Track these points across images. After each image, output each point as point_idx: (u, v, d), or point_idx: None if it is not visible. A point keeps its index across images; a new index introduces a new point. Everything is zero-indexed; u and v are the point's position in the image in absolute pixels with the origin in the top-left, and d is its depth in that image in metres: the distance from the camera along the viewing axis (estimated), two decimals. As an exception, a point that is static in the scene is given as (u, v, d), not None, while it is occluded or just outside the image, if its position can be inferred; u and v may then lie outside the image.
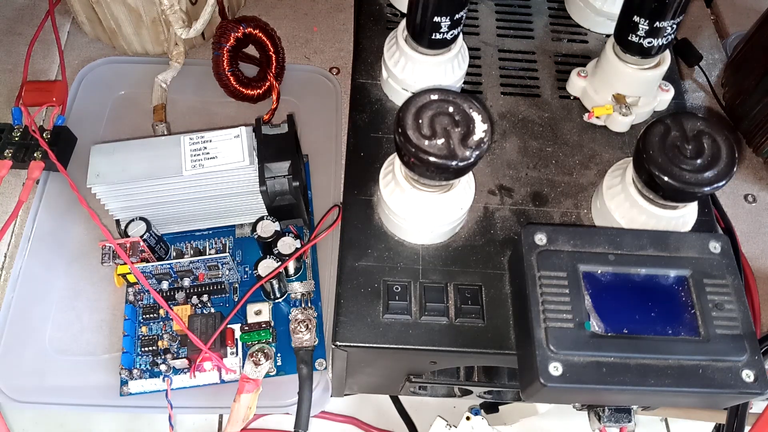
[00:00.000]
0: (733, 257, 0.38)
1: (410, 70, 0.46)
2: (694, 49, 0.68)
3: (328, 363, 0.49)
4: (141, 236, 0.47)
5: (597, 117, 0.48)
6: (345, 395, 0.52)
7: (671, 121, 0.39)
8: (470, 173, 0.42)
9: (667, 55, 0.46)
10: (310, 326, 0.47)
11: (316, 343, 0.47)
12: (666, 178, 0.37)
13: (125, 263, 0.47)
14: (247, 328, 0.47)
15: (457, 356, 0.40)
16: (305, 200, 0.52)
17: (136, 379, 0.47)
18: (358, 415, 0.53)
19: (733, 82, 0.66)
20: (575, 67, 0.50)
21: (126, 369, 0.47)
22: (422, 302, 0.40)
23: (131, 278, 0.48)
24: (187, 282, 0.50)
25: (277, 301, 0.50)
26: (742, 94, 0.63)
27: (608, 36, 0.47)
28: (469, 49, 0.49)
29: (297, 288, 0.51)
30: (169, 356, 0.48)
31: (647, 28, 0.42)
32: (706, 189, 0.37)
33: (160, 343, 0.48)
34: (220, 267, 0.49)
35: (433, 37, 0.43)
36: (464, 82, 0.50)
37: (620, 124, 0.48)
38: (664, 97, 0.49)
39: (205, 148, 0.47)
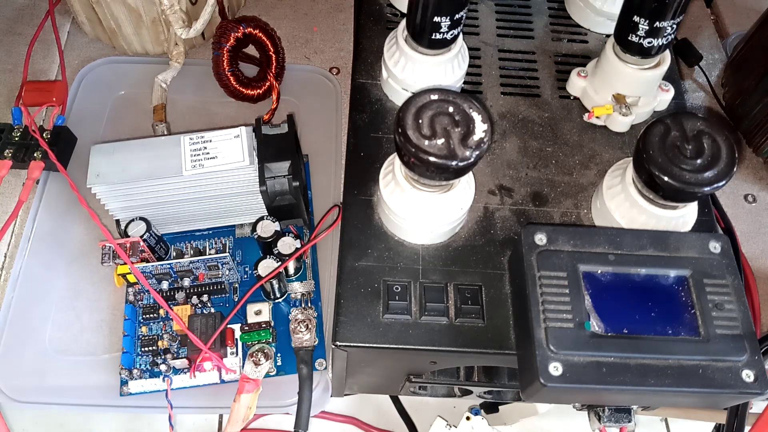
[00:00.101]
0: (733, 257, 0.38)
1: (410, 70, 0.46)
2: (694, 49, 0.68)
3: (328, 363, 0.49)
4: (141, 236, 0.47)
5: (597, 117, 0.48)
6: (345, 395, 0.52)
7: (671, 121, 0.39)
8: (470, 173, 0.42)
9: (667, 55, 0.46)
10: (310, 326, 0.47)
11: (316, 343, 0.47)
12: (666, 178, 0.37)
13: (125, 263, 0.47)
14: (247, 328, 0.47)
15: (457, 356, 0.40)
16: (305, 200, 0.52)
17: (136, 379, 0.47)
18: (358, 415, 0.53)
19: (733, 82, 0.66)
20: (575, 67, 0.50)
21: (126, 369, 0.47)
22: (422, 302, 0.40)
23: (131, 278, 0.48)
24: (187, 282, 0.50)
25: (277, 301, 0.50)
26: (742, 94, 0.63)
27: (608, 36, 0.47)
28: (469, 49, 0.49)
29: (297, 288, 0.51)
30: (169, 356, 0.48)
31: (647, 28, 0.42)
32: (706, 189, 0.37)
33: (160, 343, 0.48)
34: (220, 267, 0.49)
35: (433, 37, 0.43)
36: (464, 82, 0.50)
37: (620, 124, 0.48)
38: (664, 97, 0.49)
39: (205, 148, 0.47)
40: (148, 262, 0.48)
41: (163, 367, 0.47)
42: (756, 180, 0.62)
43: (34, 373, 0.48)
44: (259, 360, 0.45)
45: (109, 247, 0.47)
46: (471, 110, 0.36)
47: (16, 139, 0.55)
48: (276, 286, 0.48)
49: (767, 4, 0.64)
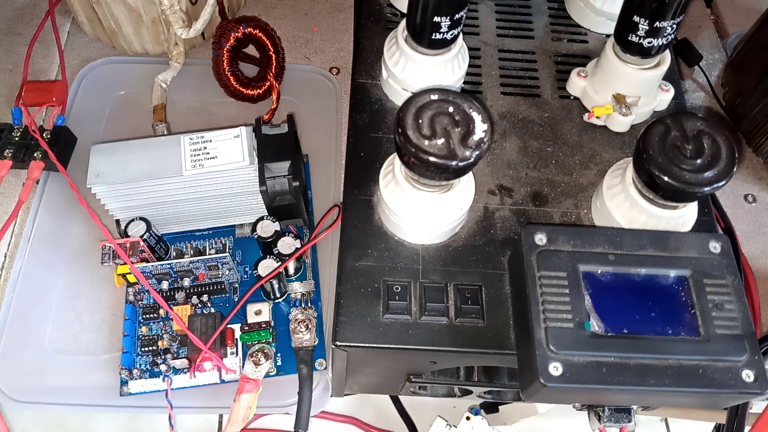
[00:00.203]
0: (733, 257, 0.38)
1: (410, 70, 0.46)
2: (694, 49, 0.68)
3: (328, 363, 0.49)
4: (141, 236, 0.47)
5: (597, 117, 0.48)
6: (345, 395, 0.52)
7: (671, 121, 0.39)
8: (470, 173, 0.42)
9: (667, 55, 0.46)
10: (310, 326, 0.47)
11: (316, 343, 0.47)
12: (666, 178, 0.37)
13: (125, 263, 0.47)
14: (247, 328, 0.47)
15: (457, 356, 0.40)
16: (305, 200, 0.52)
17: (136, 379, 0.47)
18: (358, 415, 0.53)
19: (733, 82, 0.66)
20: (575, 67, 0.50)
21: (126, 369, 0.47)
22: (422, 302, 0.40)
23: (131, 278, 0.48)
24: (187, 282, 0.50)
25: (277, 301, 0.50)
26: (742, 94, 0.63)
27: (608, 36, 0.47)
28: (469, 49, 0.49)
29: (297, 288, 0.51)
30: (169, 356, 0.48)
31: (647, 28, 0.42)
32: (706, 189, 0.37)
33: (160, 343, 0.48)
34: (220, 267, 0.49)
35: (433, 37, 0.43)
36: (464, 82, 0.50)
37: (620, 124, 0.48)
38: (664, 97, 0.49)
39: (205, 148, 0.47)
40: (148, 262, 0.48)
41: (163, 367, 0.47)
42: (756, 180, 0.62)
43: (34, 373, 0.48)
44: (259, 360, 0.45)
45: (109, 247, 0.47)
46: (471, 110, 0.36)
47: (16, 139, 0.55)
48: (276, 286, 0.48)
49: (767, 4, 0.64)
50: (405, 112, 0.36)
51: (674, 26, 0.42)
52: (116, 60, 0.64)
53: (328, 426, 0.52)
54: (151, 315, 0.49)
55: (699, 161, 0.37)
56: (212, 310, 0.50)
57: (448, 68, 0.46)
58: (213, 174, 0.46)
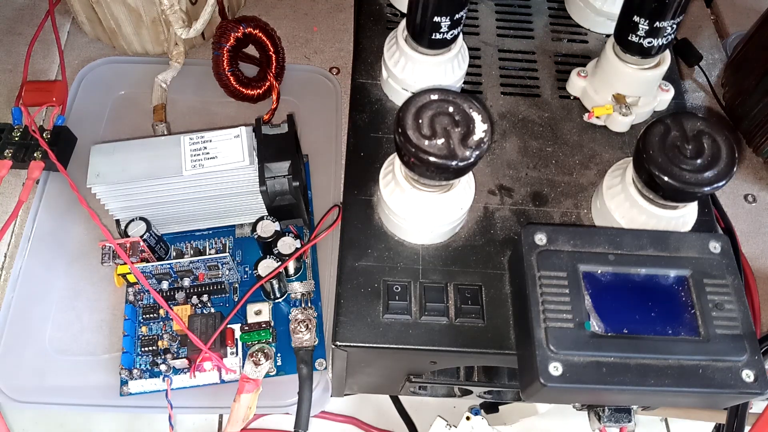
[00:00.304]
0: (733, 257, 0.38)
1: (410, 70, 0.46)
2: (694, 49, 0.68)
3: (328, 363, 0.49)
4: (141, 236, 0.47)
5: (597, 117, 0.48)
6: (345, 395, 0.52)
7: (671, 121, 0.39)
8: (470, 173, 0.42)
9: (667, 55, 0.46)
10: (310, 326, 0.47)
11: (316, 343, 0.47)
12: (666, 178, 0.37)
13: (125, 263, 0.47)
14: (247, 328, 0.47)
15: (457, 356, 0.40)
16: (305, 200, 0.52)
17: (136, 379, 0.47)
18: (358, 415, 0.53)
19: (733, 82, 0.66)
20: (575, 67, 0.50)
21: (126, 369, 0.47)
22: (422, 302, 0.40)
23: (131, 278, 0.48)
24: (187, 282, 0.50)
25: (277, 301, 0.50)
26: (742, 94, 0.63)
27: (608, 36, 0.47)
28: (469, 49, 0.49)
29: (297, 288, 0.51)
30: (169, 356, 0.48)
31: (647, 28, 0.42)
32: (706, 189, 0.37)
33: (160, 343, 0.48)
34: (220, 267, 0.49)
35: (433, 37, 0.43)
36: (464, 82, 0.50)
37: (620, 124, 0.48)
38: (664, 97, 0.49)
39: (205, 148, 0.47)
40: (148, 262, 0.48)
41: (163, 367, 0.47)
42: (756, 180, 0.62)
43: (34, 373, 0.48)
44: (259, 360, 0.45)
45: (109, 247, 0.47)
46: (471, 110, 0.36)
47: (16, 139, 0.55)
48: (276, 286, 0.48)
49: (767, 4, 0.64)
50: (405, 112, 0.36)
51: (674, 26, 0.42)
52: (116, 60, 0.64)
53: (328, 426, 0.52)
54: (151, 315, 0.49)
55: (699, 161, 0.37)
56: (212, 310, 0.50)
57: (448, 68, 0.46)
58: (213, 174, 0.46)
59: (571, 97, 0.51)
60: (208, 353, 0.45)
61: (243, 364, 0.47)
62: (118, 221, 0.49)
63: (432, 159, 0.35)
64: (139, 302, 0.50)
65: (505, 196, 0.45)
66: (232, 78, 0.58)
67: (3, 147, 0.54)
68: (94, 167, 0.46)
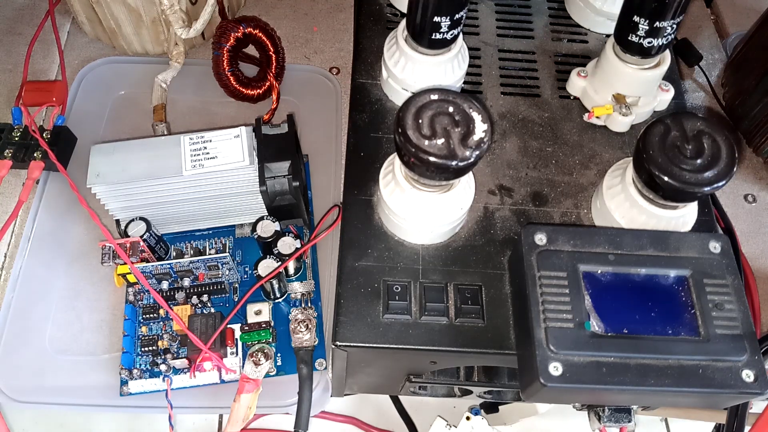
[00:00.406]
0: (733, 257, 0.38)
1: (410, 70, 0.46)
2: (694, 49, 0.68)
3: (328, 363, 0.49)
4: (141, 236, 0.47)
5: (597, 117, 0.48)
6: (345, 395, 0.52)
7: (671, 121, 0.39)
8: (470, 173, 0.42)
9: (667, 55, 0.46)
10: (310, 326, 0.47)
11: (316, 343, 0.47)
12: (666, 178, 0.37)
13: (125, 263, 0.47)
14: (247, 328, 0.47)
15: (457, 356, 0.40)
16: (305, 200, 0.52)
17: (136, 379, 0.47)
18: (358, 415, 0.53)
19: (733, 82, 0.66)
20: (575, 67, 0.50)
21: (126, 369, 0.47)
22: (422, 302, 0.40)
23: (131, 278, 0.48)
24: (187, 282, 0.50)
25: (277, 301, 0.50)
26: (742, 94, 0.63)
27: (608, 36, 0.47)
28: (469, 49, 0.49)
29: (297, 288, 0.51)
30: (169, 356, 0.48)
31: (647, 28, 0.42)
32: (706, 189, 0.37)
33: (160, 343, 0.48)
34: (220, 267, 0.49)
35: (433, 37, 0.43)
36: (464, 82, 0.50)
37: (620, 124, 0.48)
38: (664, 97, 0.49)
39: (205, 148, 0.47)
40: (148, 262, 0.48)
41: (163, 367, 0.47)
42: (756, 180, 0.62)
43: (34, 373, 0.48)
44: (259, 360, 0.45)
45: (109, 247, 0.47)
46: (471, 110, 0.36)
47: (16, 139, 0.55)
48: (276, 286, 0.48)
49: (767, 4, 0.64)
50: (405, 112, 0.36)
51: (674, 26, 0.42)
52: (116, 60, 0.64)
53: (328, 426, 0.52)
54: (151, 315, 0.49)
55: (699, 161, 0.37)
56: (212, 310, 0.50)
57: (448, 68, 0.46)
58: (213, 174, 0.46)
59: (571, 97, 0.51)
60: (208, 353, 0.45)
61: (243, 364, 0.47)
62: (118, 221, 0.49)
63: (432, 159, 0.35)
64: (139, 302, 0.50)
65: (505, 196, 0.45)
66: (232, 78, 0.58)
67: (3, 147, 0.54)
68: (94, 167, 0.46)
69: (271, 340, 0.47)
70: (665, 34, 0.43)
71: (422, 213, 0.40)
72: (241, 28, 0.57)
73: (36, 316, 0.50)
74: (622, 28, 0.44)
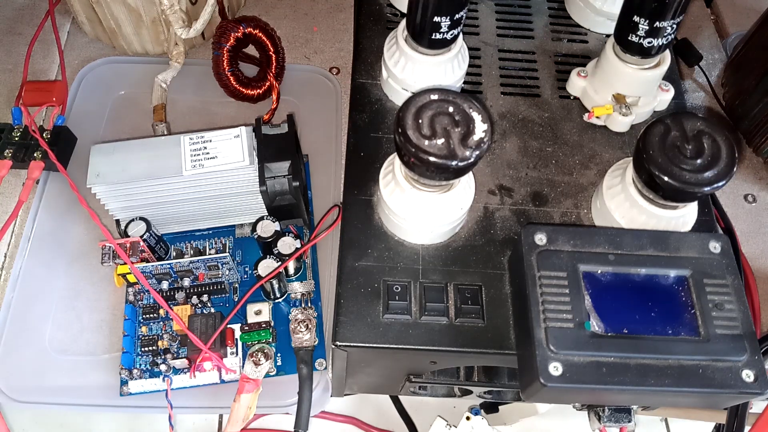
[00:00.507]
0: (733, 257, 0.38)
1: (410, 70, 0.46)
2: (694, 49, 0.68)
3: (328, 363, 0.49)
4: (141, 236, 0.47)
5: (597, 117, 0.48)
6: (345, 395, 0.52)
7: (671, 121, 0.39)
8: (470, 173, 0.42)
9: (667, 55, 0.46)
10: (310, 326, 0.47)
11: (316, 343, 0.47)
12: (666, 178, 0.37)
13: (125, 263, 0.47)
14: (247, 328, 0.47)
15: (457, 356, 0.40)
16: (305, 200, 0.52)
17: (136, 379, 0.47)
18: (358, 415, 0.53)
19: (733, 82, 0.66)
20: (575, 67, 0.50)
21: (126, 369, 0.47)
22: (422, 302, 0.40)
23: (131, 278, 0.48)
24: (187, 282, 0.50)
25: (277, 301, 0.50)
26: (742, 94, 0.63)
27: (608, 36, 0.47)
28: (469, 49, 0.49)
29: (297, 288, 0.51)
30: (169, 356, 0.48)
31: (647, 28, 0.42)
32: (706, 189, 0.37)
33: (160, 343, 0.48)
34: (220, 267, 0.49)
35: (433, 37, 0.43)
36: (464, 82, 0.50)
37: (620, 124, 0.48)
38: (664, 97, 0.49)
39: (205, 148, 0.47)
40: (148, 262, 0.48)
41: (163, 367, 0.47)
42: (756, 180, 0.62)
43: (34, 373, 0.48)
44: (259, 360, 0.45)
45: (109, 247, 0.47)
46: (471, 110, 0.36)
47: (16, 139, 0.55)
48: (276, 286, 0.48)
49: (767, 4, 0.64)
50: (405, 112, 0.36)
51: (674, 26, 0.42)
52: (116, 60, 0.64)
53: (328, 426, 0.52)
54: (151, 315, 0.49)
55: (699, 161, 0.37)
56: (212, 310, 0.50)
57: (448, 68, 0.46)
58: (213, 174, 0.46)
59: (571, 97, 0.51)
60: (208, 353, 0.45)
61: (243, 364, 0.47)
62: (118, 221, 0.49)
63: (432, 159, 0.35)
64: (139, 302, 0.50)
65: (505, 196, 0.45)
66: (232, 78, 0.58)
67: (3, 147, 0.54)
68: (94, 167, 0.46)
69: (271, 340, 0.47)
70: (665, 34, 0.43)
71: (422, 213, 0.40)
72: (241, 28, 0.57)
73: (36, 316, 0.50)
74: (622, 28, 0.44)
